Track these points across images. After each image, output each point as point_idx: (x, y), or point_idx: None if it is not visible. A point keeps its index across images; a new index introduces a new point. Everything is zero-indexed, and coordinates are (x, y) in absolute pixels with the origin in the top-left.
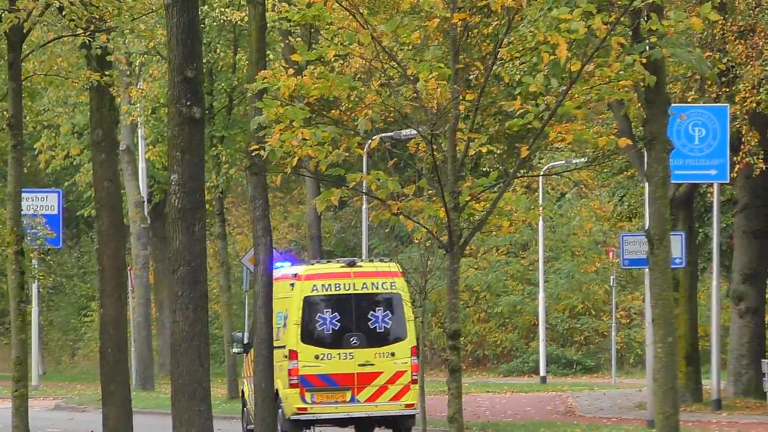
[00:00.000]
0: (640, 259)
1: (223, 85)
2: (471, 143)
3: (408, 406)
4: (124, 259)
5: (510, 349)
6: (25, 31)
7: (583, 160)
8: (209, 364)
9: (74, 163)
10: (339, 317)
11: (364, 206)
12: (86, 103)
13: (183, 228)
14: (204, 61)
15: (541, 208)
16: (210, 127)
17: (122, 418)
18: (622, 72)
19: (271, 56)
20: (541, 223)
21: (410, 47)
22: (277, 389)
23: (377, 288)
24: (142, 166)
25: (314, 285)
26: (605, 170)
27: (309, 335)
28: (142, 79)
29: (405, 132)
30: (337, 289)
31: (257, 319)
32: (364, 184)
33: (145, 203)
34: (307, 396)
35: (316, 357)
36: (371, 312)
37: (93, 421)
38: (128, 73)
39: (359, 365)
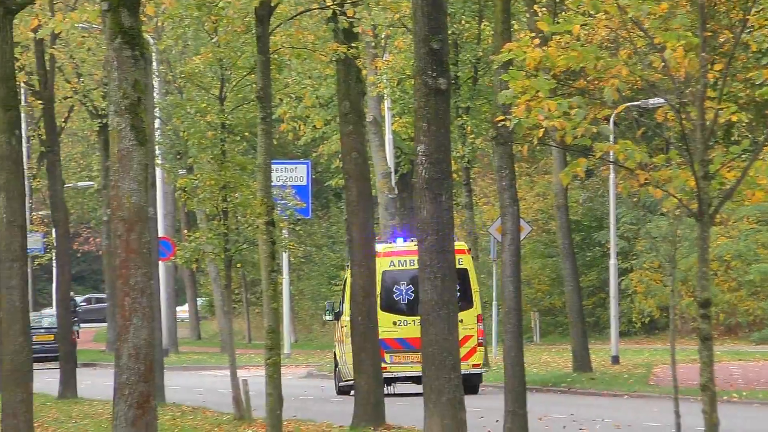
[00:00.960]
0: None
1: (467, 55)
2: (720, 112)
3: (475, 366)
4: (373, 229)
5: (762, 318)
6: (273, 5)
7: None
8: (458, 332)
9: (320, 136)
10: (413, 288)
11: (611, 175)
12: (332, 75)
13: (430, 198)
14: (449, 32)
15: None
16: (455, 98)
17: (373, 385)
18: None
19: (515, 26)
20: None
21: (657, 16)
22: None
23: None
24: (388, 137)
25: (391, 261)
26: None
27: (388, 304)
28: (388, 51)
29: (652, 101)
30: (411, 264)
31: (505, 288)
32: (611, 154)
33: (393, 174)
34: (387, 357)
35: (394, 323)
36: None
37: None
38: (374, 45)
39: None
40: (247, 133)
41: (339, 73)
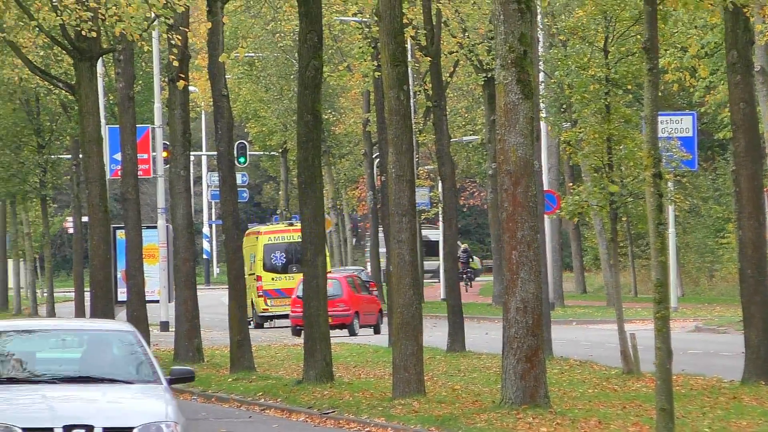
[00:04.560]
0: None
1: None
2: None
3: None
4: (761, 180)
5: None
6: None
7: None
8: None
9: (707, 86)
10: (285, 255)
11: None
12: (719, 24)
13: None
14: None
15: None
16: None
17: (764, 339)
18: None
19: None
20: None
21: None
22: (251, 298)
23: None
24: None
25: (270, 237)
26: None
27: (268, 266)
28: None
29: None
30: (283, 239)
31: None
32: None
33: None
34: (268, 302)
35: (272, 279)
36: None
37: (733, 343)
38: None
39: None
40: (630, 86)
41: (726, 22)
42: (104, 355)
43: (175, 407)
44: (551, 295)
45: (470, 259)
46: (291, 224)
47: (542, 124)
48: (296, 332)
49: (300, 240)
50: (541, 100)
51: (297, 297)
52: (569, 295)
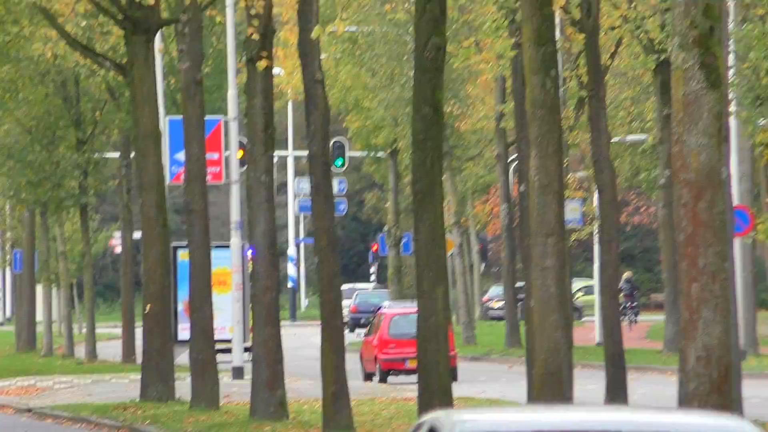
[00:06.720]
0: None
1: None
2: None
3: None
4: None
5: None
6: None
7: None
8: None
9: None
10: None
11: None
12: None
13: None
14: None
15: None
16: None
17: None
18: None
19: None
20: None
21: None
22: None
23: None
24: None
25: None
26: None
27: None
28: None
29: None
30: None
31: None
32: None
33: None
34: None
35: None
36: None
37: None
38: None
39: None
40: None
41: None
42: None
43: None
44: (742, 341)
45: (634, 292)
46: None
47: (732, 121)
48: (383, 378)
49: None
50: (731, 90)
51: (388, 337)
52: (766, 341)
